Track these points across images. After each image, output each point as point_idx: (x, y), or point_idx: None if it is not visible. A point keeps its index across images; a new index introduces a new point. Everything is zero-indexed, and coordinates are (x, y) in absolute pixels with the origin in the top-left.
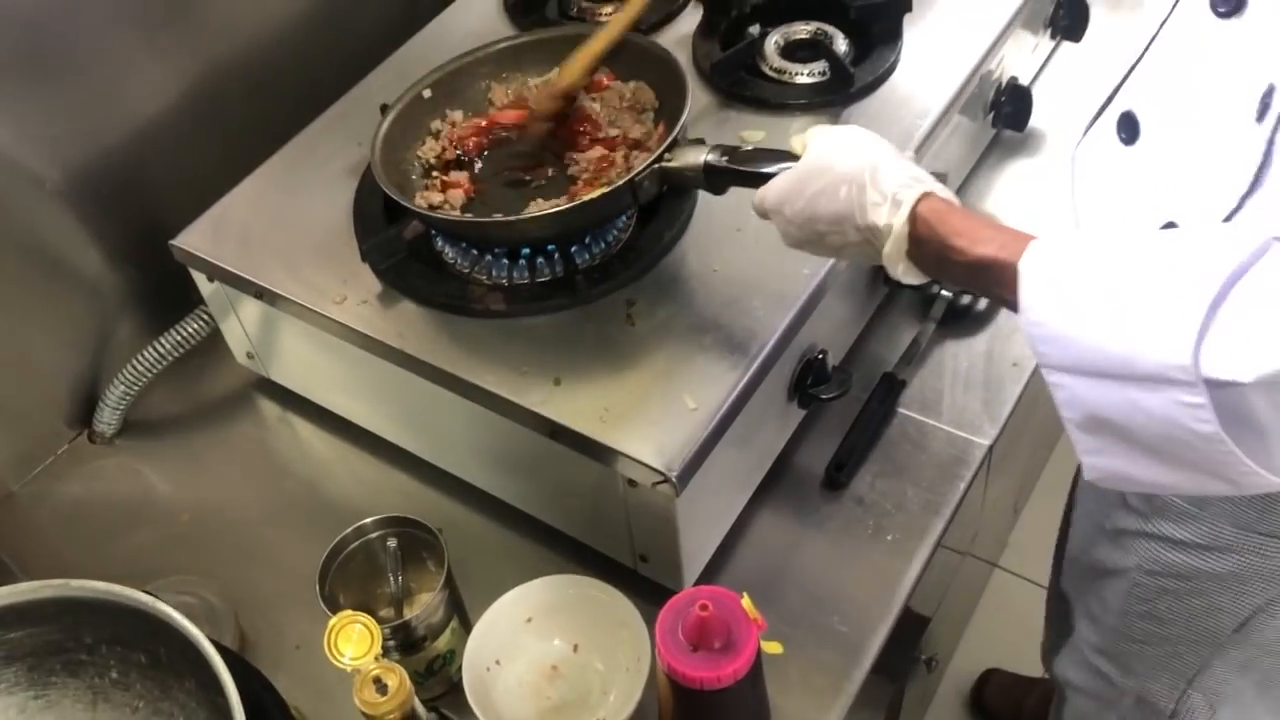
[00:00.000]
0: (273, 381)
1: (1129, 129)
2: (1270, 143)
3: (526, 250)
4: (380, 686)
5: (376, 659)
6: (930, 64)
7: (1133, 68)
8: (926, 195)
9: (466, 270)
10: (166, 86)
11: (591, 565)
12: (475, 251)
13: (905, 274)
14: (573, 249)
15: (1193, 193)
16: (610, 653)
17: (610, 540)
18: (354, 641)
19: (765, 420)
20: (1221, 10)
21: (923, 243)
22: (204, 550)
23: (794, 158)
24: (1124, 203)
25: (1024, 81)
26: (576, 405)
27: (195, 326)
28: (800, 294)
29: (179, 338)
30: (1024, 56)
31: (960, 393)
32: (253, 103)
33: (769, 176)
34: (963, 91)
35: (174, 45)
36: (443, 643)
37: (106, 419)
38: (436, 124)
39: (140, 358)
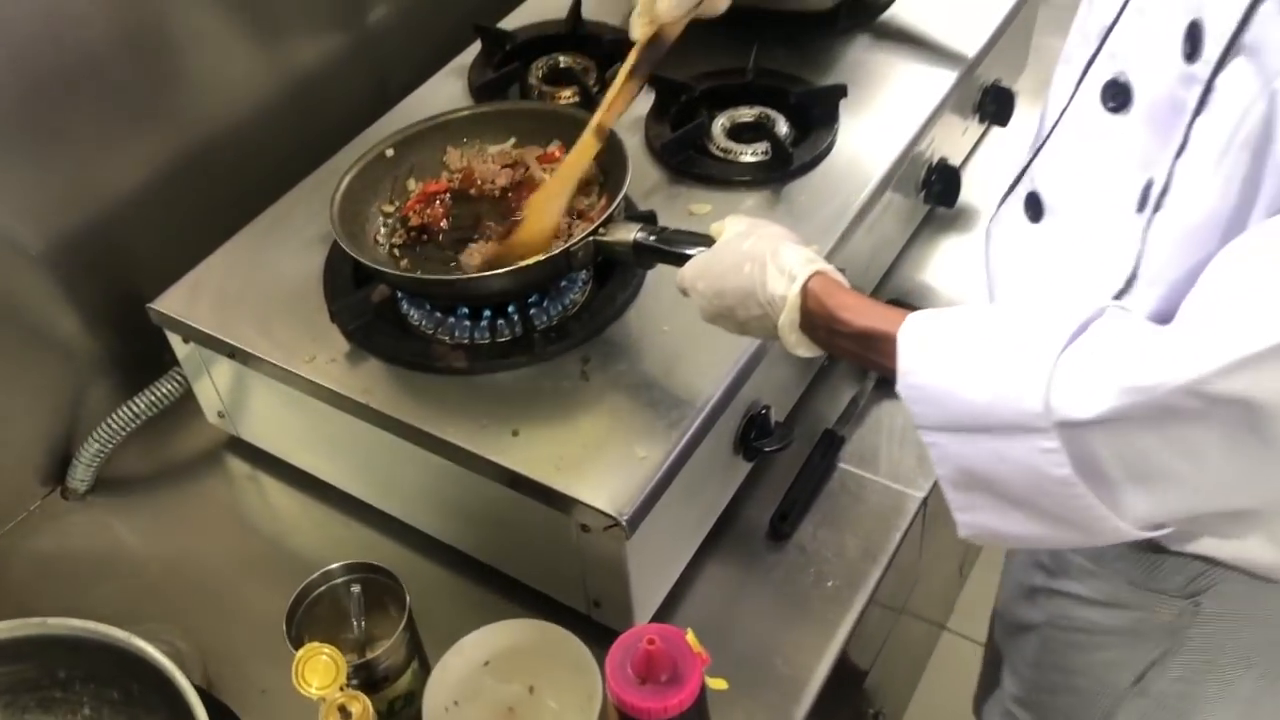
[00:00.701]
0: (242, 441)
1: (1034, 208)
2: (1145, 232)
3: (487, 312)
4: (345, 714)
5: (341, 688)
6: (864, 145)
7: (1037, 151)
8: (819, 273)
9: (430, 331)
10: (147, 161)
11: (547, 611)
12: (438, 313)
13: (798, 345)
14: (531, 311)
15: (1089, 272)
16: (564, 693)
17: (565, 587)
18: (320, 672)
19: (712, 471)
20: (1110, 105)
21: (813, 315)
22: (172, 601)
23: (711, 241)
24: (1031, 278)
25: (953, 162)
26: (533, 455)
27: (169, 387)
28: (743, 353)
29: (153, 398)
30: (954, 139)
31: (896, 448)
32: (229, 177)
33: (688, 257)
34: (894, 170)
35: (155, 124)
36: (403, 683)
37: (80, 476)
38: (395, 199)
39: (114, 417)
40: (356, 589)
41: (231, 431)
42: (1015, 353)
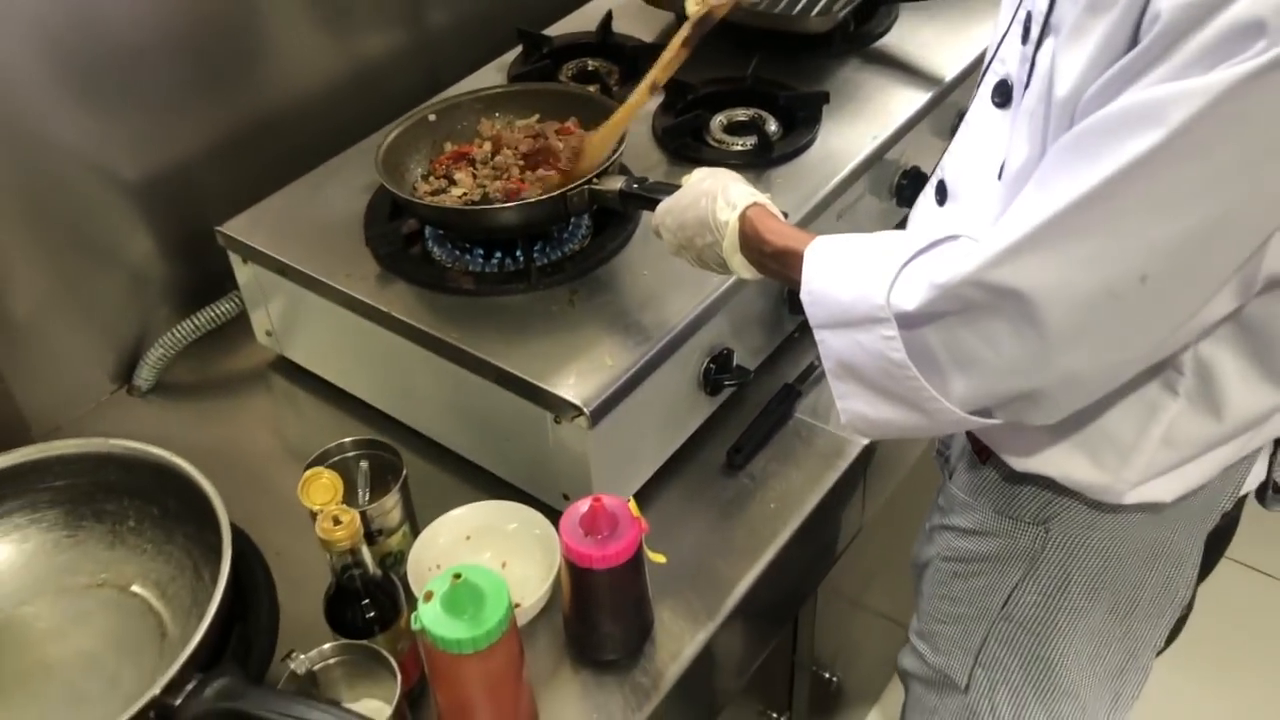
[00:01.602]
0: (284, 361)
1: (941, 194)
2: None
3: (498, 252)
4: (336, 523)
5: (336, 504)
6: (840, 144)
7: (949, 145)
8: (756, 204)
9: (449, 264)
10: (225, 118)
11: (525, 504)
12: (456, 250)
13: (741, 268)
14: (535, 249)
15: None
16: (532, 565)
17: (540, 480)
18: (321, 491)
19: (676, 397)
20: (996, 101)
21: (748, 238)
22: (211, 477)
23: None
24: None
25: (925, 170)
26: (520, 359)
27: (226, 307)
28: (705, 297)
29: (213, 314)
30: (928, 154)
31: None
32: (293, 138)
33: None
34: (863, 167)
35: (235, 88)
36: (394, 541)
37: (144, 376)
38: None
39: (178, 328)
40: (364, 464)
41: (276, 349)
42: (876, 262)
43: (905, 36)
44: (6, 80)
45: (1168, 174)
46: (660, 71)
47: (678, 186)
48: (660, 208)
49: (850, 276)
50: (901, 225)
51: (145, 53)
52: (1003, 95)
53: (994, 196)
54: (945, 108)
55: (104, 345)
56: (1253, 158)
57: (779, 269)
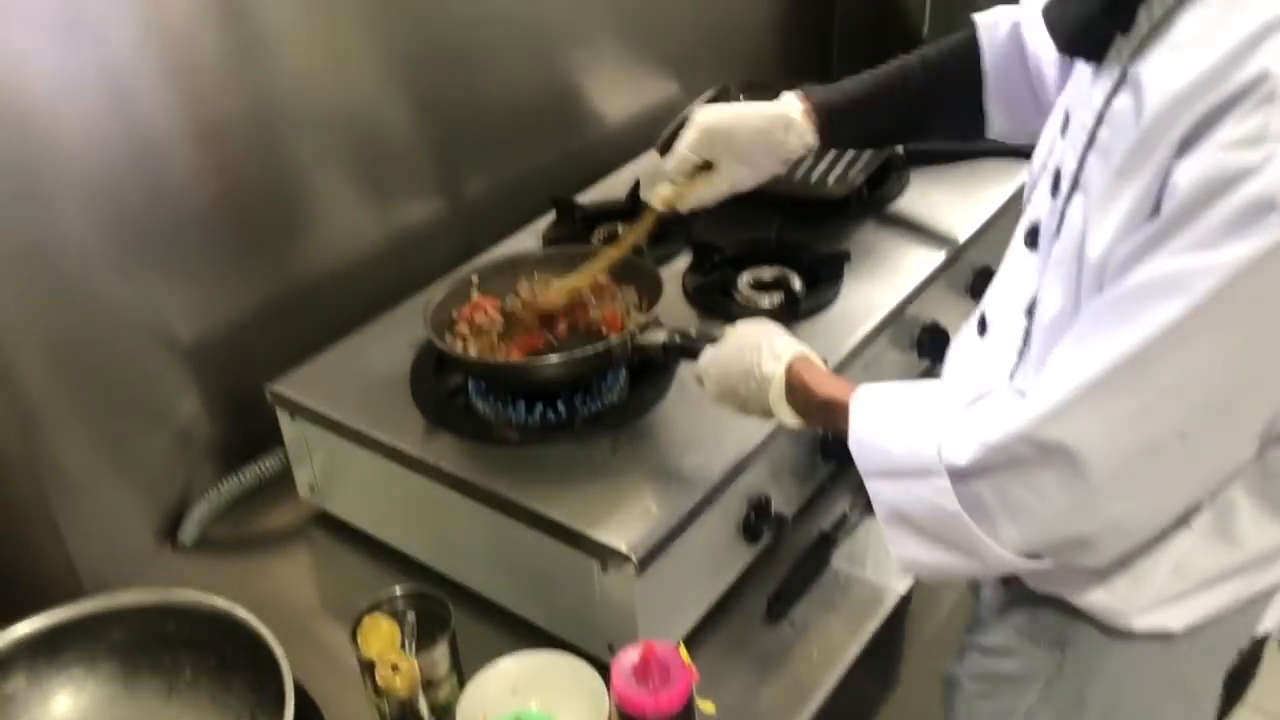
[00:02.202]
0: (327, 516)
1: (982, 326)
2: (1026, 335)
3: (540, 404)
4: (394, 670)
5: (394, 652)
6: (863, 301)
7: (990, 281)
8: (801, 355)
9: (492, 417)
10: (272, 279)
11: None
12: (499, 403)
13: (785, 415)
14: (576, 400)
15: (1004, 369)
16: (577, 713)
17: (586, 632)
18: (379, 638)
19: (717, 544)
20: (1028, 243)
21: (794, 388)
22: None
23: None
24: (972, 379)
25: (944, 324)
26: (565, 508)
27: (271, 463)
28: (745, 446)
29: (258, 470)
30: (946, 310)
31: (883, 555)
32: (336, 302)
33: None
34: (886, 322)
35: (282, 254)
36: (443, 693)
37: (189, 532)
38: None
39: (224, 484)
40: (411, 615)
41: (319, 504)
42: (924, 416)
43: (917, 199)
44: (64, 245)
45: (1196, 341)
46: (616, 251)
47: (718, 338)
48: (704, 357)
49: (900, 429)
50: (924, 376)
51: (197, 220)
52: (1033, 237)
53: (1019, 329)
54: (961, 266)
55: (150, 501)
56: (1274, 324)
57: (825, 417)
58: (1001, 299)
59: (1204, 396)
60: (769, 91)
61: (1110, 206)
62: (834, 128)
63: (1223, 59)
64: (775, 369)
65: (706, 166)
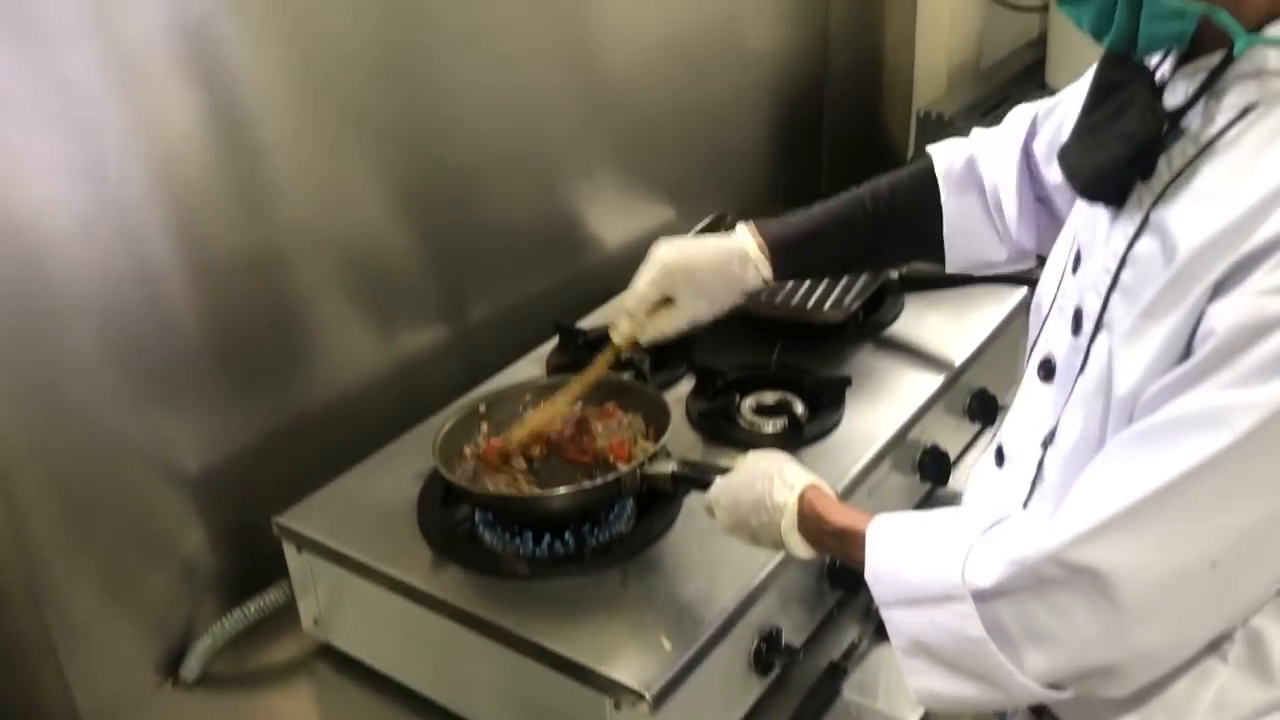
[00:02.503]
0: (330, 650)
1: (999, 457)
2: (1039, 467)
3: (547, 535)
4: None
5: None
6: (865, 426)
7: (1005, 413)
8: (813, 485)
9: (500, 548)
10: (277, 409)
11: None
12: (507, 534)
13: (797, 546)
14: (584, 530)
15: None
16: None
17: None
18: None
19: (730, 676)
20: (1042, 375)
21: (806, 518)
22: None
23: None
24: (993, 509)
25: (944, 447)
26: (577, 644)
27: (275, 596)
28: (755, 576)
29: (262, 604)
30: (946, 432)
31: (894, 685)
32: (341, 432)
33: (713, 481)
34: (888, 447)
35: (287, 385)
36: None
37: (191, 667)
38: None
39: (227, 618)
40: None
41: (323, 638)
42: (945, 540)
43: (913, 323)
44: (72, 377)
45: (1234, 474)
46: (580, 388)
47: (727, 469)
48: (715, 488)
49: (919, 555)
50: (926, 500)
51: (203, 352)
52: (1047, 371)
53: (1033, 459)
54: (959, 388)
55: (152, 636)
56: None
57: (839, 547)
58: (1018, 431)
59: (1238, 527)
60: (767, 217)
61: (1138, 344)
62: (785, 260)
63: (1248, 212)
64: (788, 498)
65: (666, 301)
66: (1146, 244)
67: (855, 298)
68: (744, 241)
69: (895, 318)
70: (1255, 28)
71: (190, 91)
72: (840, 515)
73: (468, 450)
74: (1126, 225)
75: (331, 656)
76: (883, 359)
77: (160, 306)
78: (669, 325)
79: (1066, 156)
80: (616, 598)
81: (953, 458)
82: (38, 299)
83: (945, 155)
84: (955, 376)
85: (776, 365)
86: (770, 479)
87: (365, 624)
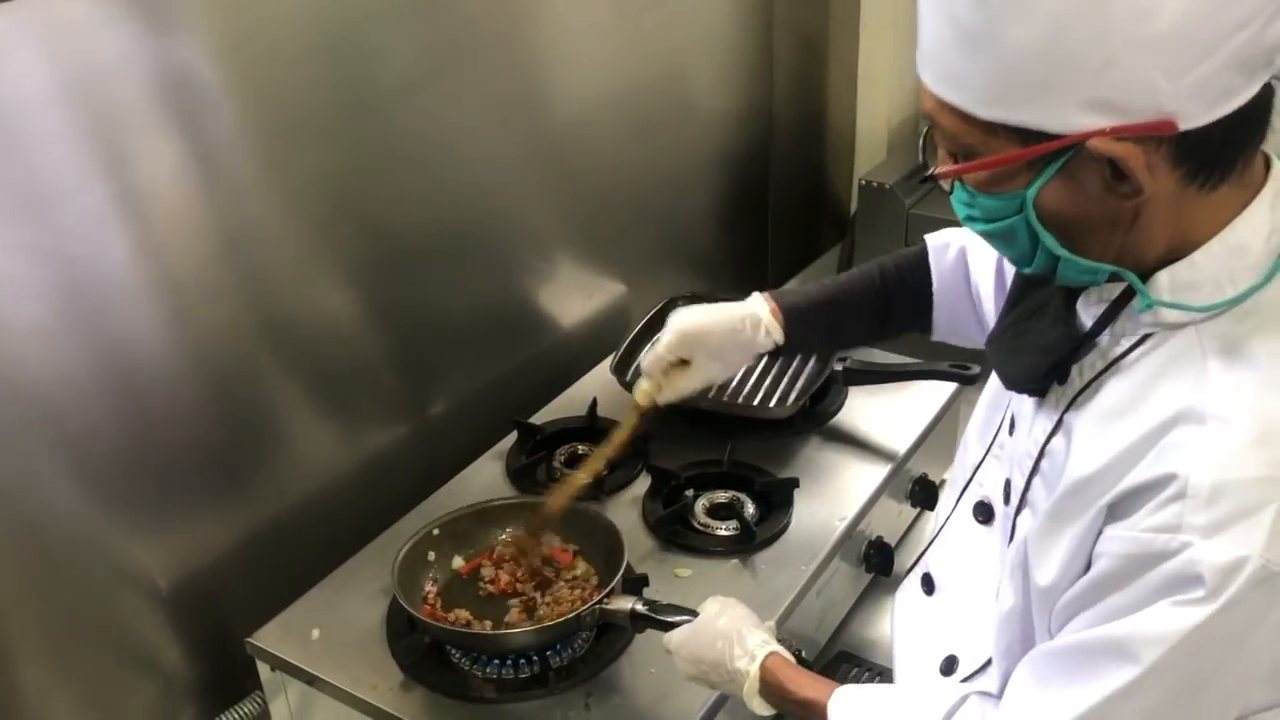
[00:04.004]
0: None
1: (928, 585)
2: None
3: (511, 657)
4: None
5: None
6: (814, 525)
7: (930, 543)
8: (773, 653)
9: (467, 667)
10: (246, 523)
11: None
12: (473, 653)
13: (760, 707)
14: (547, 653)
15: (966, 637)
16: None
17: None
18: None
19: None
20: (979, 519)
21: (768, 685)
22: None
23: (694, 614)
24: (922, 639)
25: (889, 539)
26: None
27: (249, 708)
28: (712, 694)
29: (237, 716)
30: (889, 519)
31: None
32: (309, 533)
33: (673, 625)
34: (837, 547)
35: (250, 494)
36: None
37: None
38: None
39: None
40: None
41: None
42: None
43: (856, 413)
44: (39, 495)
45: (1142, 698)
46: (612, 450)
47: (688, 610)
48: (675, 639)
49: None
50: (871, 589)
51: (174, 465)
52: (985, 514)
53: (989, 613)
54: (901, 477)
55: None
56: (1209, 676)
57: (802, 714)
58: (950, 567)
59: None
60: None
61: (1049, 544)
62: (796, 325)
63: (1139, 441)
64: (748, 668)
65: (682, 364)
66: (1059, 443)
67: (800, 393)
68: (757, 307)
69: (839, 408)
70: (1148, 272)
71: (113, 217)
72: (802, 688)
73: (432, 575)
74: (1045, 420)
75: None
76: (829, 452)
77: (127, 420)
78: (685, 386)
79: (991, 351)
80: (582, 719)
81: (894, 544)
82: None
83: (940, 245)
84: (899, 466)
85: (728, 464)
86: (731, 643)
87: None
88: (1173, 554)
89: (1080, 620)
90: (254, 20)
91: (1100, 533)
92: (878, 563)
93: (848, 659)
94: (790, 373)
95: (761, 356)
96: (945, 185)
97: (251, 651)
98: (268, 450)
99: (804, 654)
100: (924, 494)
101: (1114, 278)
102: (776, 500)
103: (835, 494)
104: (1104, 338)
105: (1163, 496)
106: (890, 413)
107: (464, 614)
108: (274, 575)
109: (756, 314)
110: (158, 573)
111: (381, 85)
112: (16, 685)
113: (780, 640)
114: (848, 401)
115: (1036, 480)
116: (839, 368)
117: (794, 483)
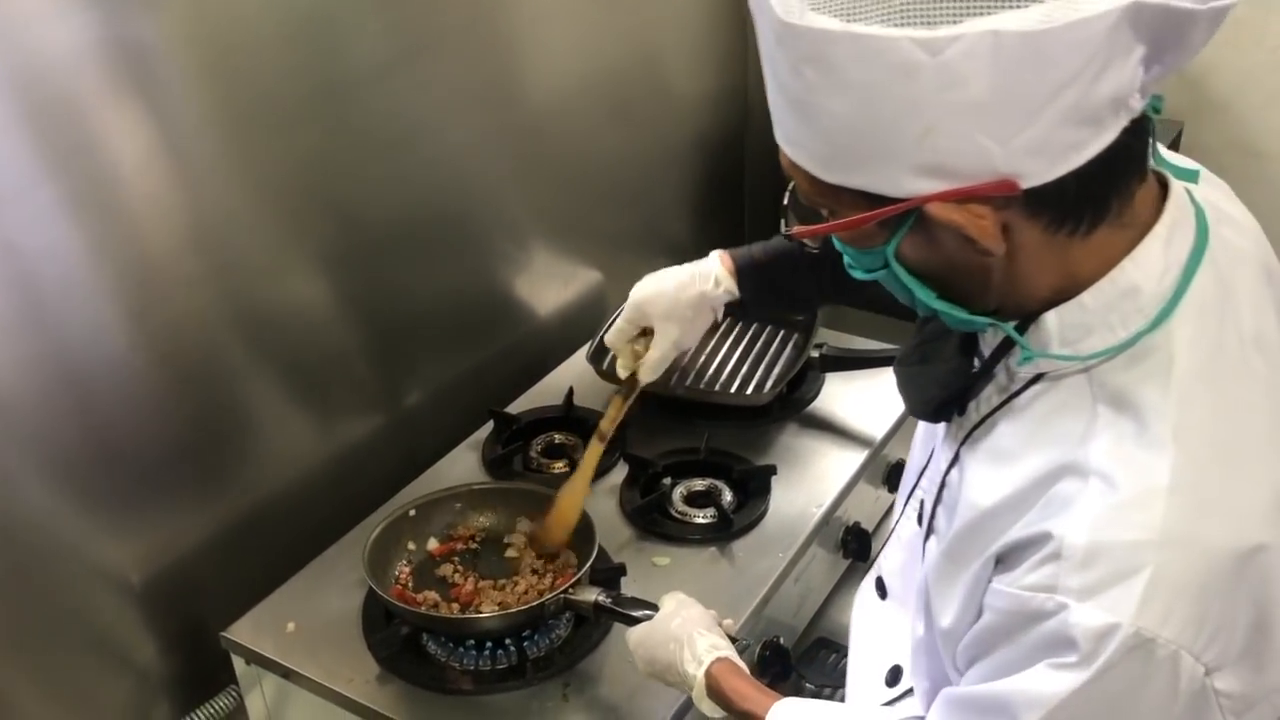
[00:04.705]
0: None
1: (881, 589)
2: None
3: (489, 643)
4: None
5: None
6: (791, 512)
7: (883, 547)
8: (720, 660)
9: (444, 659)
10: (220, 517)
11: None
12: (450, 643)
13: (710, 710)
14: (524, 643)
15: (904, 649)
16: None
17: None
18: None
19: None
20: (920, 523)
21: (714, 690)
22: None
23: (655, 608)
24: (875, 640)
25: (866, 525)
26: None
27: (225, 702)
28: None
29: (212, 711)
30: (866, 505)
31: None
32: (285, 526)
33: (636, 620)
34: (814, 534)
35: (224, 486)
36: None
37: None
38: (413, 544)
39: None
40: None
41: None
42: None
43: (833, 399)
44: (13, 492)
45: None
46: (605, 424)
47: (650, 605)
48: (633, 638)
49: None
50: (849, 574)
51: (145, 460)
52: (924, 522)
53: (918, 609)
54: (878, 463)
55: None
56: None
57: None
58: (898, 570)
59: None
60: None
61: (946, 588)
62: (749, 278)
63: (1026, 486)
64: (695, 672)
65: (646, 334)
66: (955, 477)
67: (777, 380)
68: (710, 262)
69: (816, 395)
70: (1035, 313)
71: (118, 203)
72: (744, 698)
73: (409, 556)
74: (947, 450)
75: None
76: (806, 438)
77: (96, 417)
78: (655, 354)
79: (897, 374)
80: (558, 710)
81: (871, 530)
82: None
83: None
84: (875, 452)
85: (706, 451)
86: (681, 645)
87: None
88: (1049, 615)
89: (976, 671)
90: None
91: (989, 583)
92: (855, 548)
93: (825, 645)
94: (767, 360)
95: (723, 321)
96: (813, 246)
97: (226, 645)
98: (240, 443)
99: (782, 640)
100: (898, 479)
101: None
102: (754, 488)
103: (812, 481)
104: (1001, 374)
105: (1040, 555)
106: (867, 399)
107: (432, 595)
108: (248, 569)
109: (707, 268)
110: (130, 568)
111: (352, 68)
112: None
113: (741, 638)
114: (824, 388)
115: (940, 509)
116: (815, 354)
117: (771, 470)
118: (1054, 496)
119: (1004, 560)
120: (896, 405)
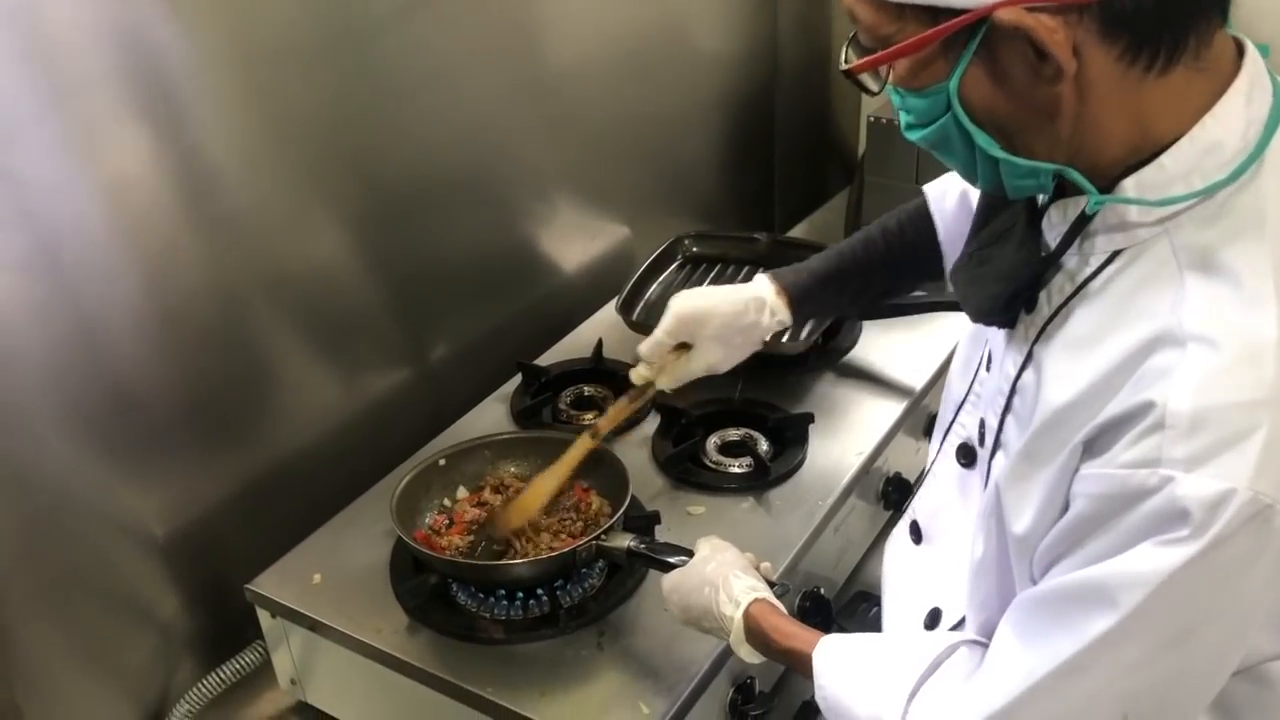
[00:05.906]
0: (307, 706)
1: (915, 534)
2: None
3: (520, 593)
4: None
5: None
6: (829, 462)
7: (915, 490)
8: (758, 600)
9: (474, 609)
10: (244, 466)
11: None
12: (481, 594)
13: (747, 655)
14: (557, 592)
15: (951, 590)
16: None
17: None
18: None
19: None
20: (962, 462)
21: (753, 633)
22: None
23: (690, 554)
24: (911, 588)
25: (906, 475)
26: (557, 713)
27: (251, 657)
28: None
29: (237, 666)
30: (907, 457)
31: None
32: (309, 484)
33: (670, 566)
34: (853, 483)
35: (252, 441)
36: None
37: None
38: (446, 499)
39: (204, 681)
40: None
41: (300, 697)
42: (887, 681)
43: (870, 349)
44: (34, 447)
45: (1127, 647)
46: (603, 423)
47: (685, 550)
48: (667, 584)
49: (863, 692)
50: (890, 526)
51: (166, 413)
52: (968, 457)
53: (961, 549)
54: (919, 413)
55: (128, 704)
56: (1198, 619)
57: (788, 662)
58: (936, 512)
59: (1140, 688)
60: (717, 241)
61: (1023, 488)
62: (804, 304)
63: (1113, 369)
64: (733, 614)
65: (684, 347)
66: (1030, 378)
67: (813, 329)
68: (761, 289)
69: (853, 344)
70: (1113, 179)
71: (129, 146)
72: (786, 637)
73: (439, 506)
74: (1015, 353)
75: (309, 715)
76: (843, 388)
77: (114, 368)
78: (685, 371)
79: (956, 280)
80: (593, 659)
81: (913, 481)
82: None
83: (939, 194)
84: (916, 402)
85: (740, 400)
86: (716, 588)
87: (342, 685)
88: (1152, 491)
89: (1061, 567)
90: None
91: (1076, 472)
92: (896, 500)
93: (866, 598)
94: None
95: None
96: (872, 86)
97: (251, 599)
98: (263, 397)
99: (822, 591)
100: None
101: (1065, 188)
102: (790, 437)
103: (851, 430)
104: (1072, 260)
105: (1140, 428)
106: (906, 347)
107: (457, 540)
108: (273, 524)
109: (761, 296)
110: (152, 521)
111: (369, 11)
112: (14, 640)
113: (779, 581)
114: (862, 336)
115: (1009, 419)
116: None
117: (809, 418)
118: (1148, 370)
119: (1094, 443)
120: (937, 354)
